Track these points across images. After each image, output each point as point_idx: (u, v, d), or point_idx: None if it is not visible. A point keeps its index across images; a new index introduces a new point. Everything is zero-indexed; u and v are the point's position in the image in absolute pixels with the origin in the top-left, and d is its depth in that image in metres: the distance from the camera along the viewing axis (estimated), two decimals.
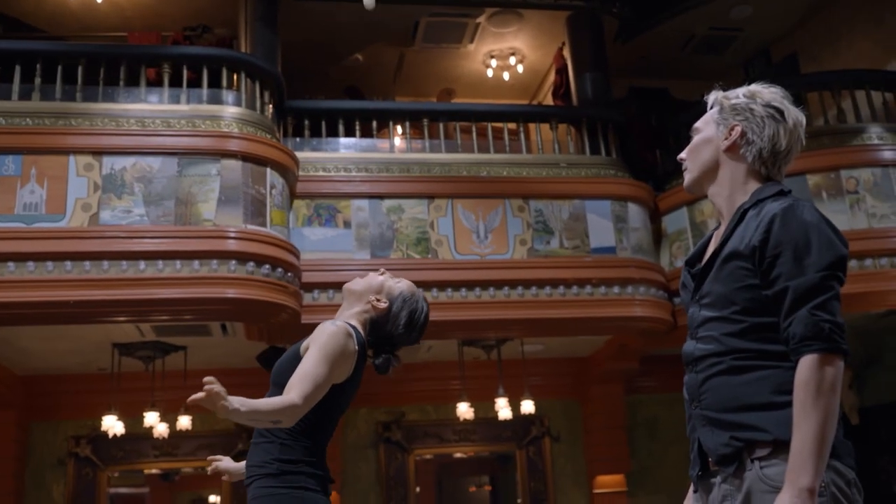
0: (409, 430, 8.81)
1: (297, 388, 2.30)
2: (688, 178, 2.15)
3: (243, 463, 2.69)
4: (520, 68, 9.76)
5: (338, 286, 6.57)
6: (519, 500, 9.02)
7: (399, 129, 7.71)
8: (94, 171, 5.99)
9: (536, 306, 6.90)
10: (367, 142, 7.43)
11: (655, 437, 9.15)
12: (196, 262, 5.85)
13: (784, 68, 9.50)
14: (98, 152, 6.05)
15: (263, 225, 6.15)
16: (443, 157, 7.34)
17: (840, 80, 7.54)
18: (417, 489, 8.95)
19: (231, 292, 5.88)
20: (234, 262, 5.91)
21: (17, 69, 6.25)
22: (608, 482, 8.71)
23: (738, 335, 1.89)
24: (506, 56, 9.63)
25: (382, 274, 2.78)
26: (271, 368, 7.60)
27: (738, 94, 2.09)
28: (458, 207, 7.06)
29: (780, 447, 1.78)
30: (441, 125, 7.53)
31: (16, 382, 7.92)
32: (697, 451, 1.96)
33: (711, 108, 2.15)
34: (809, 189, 6.87)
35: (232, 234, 5.96)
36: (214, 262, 5.88)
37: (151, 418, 7.32)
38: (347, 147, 7.32)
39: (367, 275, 2.77)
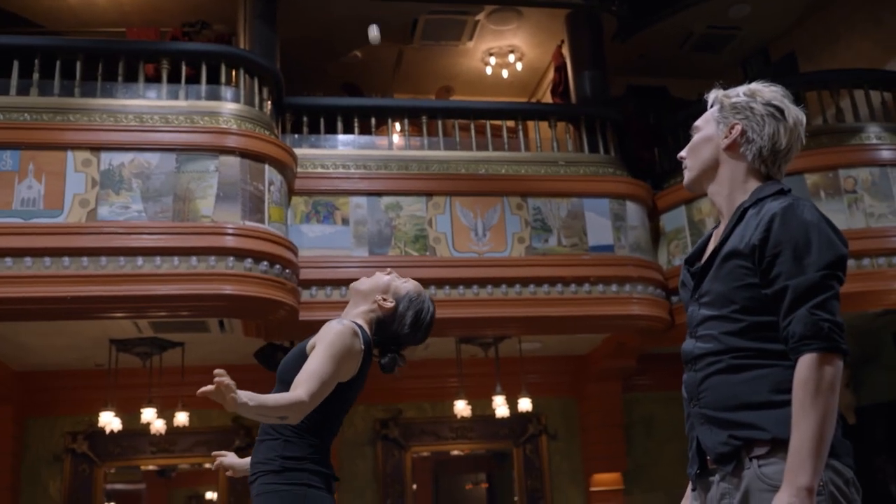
0: (407, 428, 8.81)
1: (304, 385, 2.32)
2: (688, 176, 2.15)
3: (247, 459, 2.70)
4: (518, 66, 9.76)
5: (336, 283, 6.61)
6: (515, 498, 9.03)
7: (398, 126, 7.71)
8: (91, 167, 5.98)
9: (534, 304, 6.90)
10: (365, 139, 7.42)
11: (652, 435, 9.16)
12: (194, 259, 5.84)
13: (782, 67, 9.51)
14: (96, 148, 6.04)
15: (261, 221, 6.14)
16: (441, 154, 7.33)
17: (839, 80, 7.54)
18: (414, 486, 8.95)
19: (229, 289, 5.88)
20: (231, 258, 5.90)
21: (15, 64, 6.23)
22: (605, 480, 8.72)
23: (737, 334, 1.89)
24: (505, 54, 9.62)
25: (389, 274, 2.79)
26: (269, 365, 7.57)
27: (739, 93, 2.09)
28: (456, 205, 7.06)
29: (779, 446, 1.78)
30: (440, 123, 7.53)
31: (12, 378, 7.91)
32: (696, 450, 1.96)
33: (711, 106, 2.15)
34: (808, 188, 6.88)
35: (230, 231, 5.95)
36: (212, 258, 5.87)
37: (148, 414, 7.32)
38: (346, 144, 7.31)
39: (374, 274, 2.79)
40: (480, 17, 8.90)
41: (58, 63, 6.31)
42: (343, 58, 9.43)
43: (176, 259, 5.81)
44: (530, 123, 7.91)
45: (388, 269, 2.82)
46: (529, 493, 8.87)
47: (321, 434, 2.55)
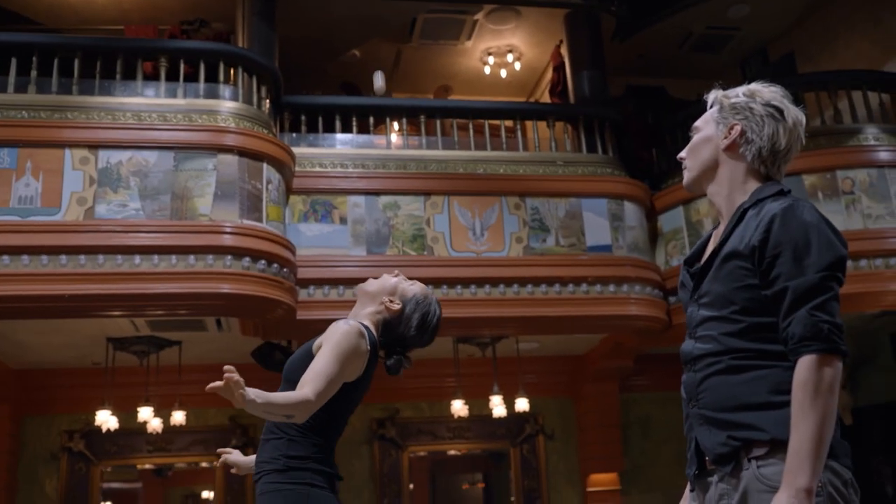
0: (404, 427, 8.81)
1: (311, 384, 2.34)
2: (687, 176, 2.15)
3: (252, 457, 2.72)
4: (517, 66, 9.76)
5: (333, 282, 6.60)
6: (512, 499, 9.03)
7: (396, 125, 7.71)
8: (89, 165, 5.98)
9: (532, 304, 6.90)
10: (363, 138, 7.42)
11: (649, 435, 9.17)
12: (191, 257, 5.83)
13: (781, 67, 9.52)
14: (94, 146, 6.03)
15: (259, 220, 6.13)
16: (439, 153, 7.33)
17: (837, 81, 7.55)
18: (411, 486, 8.95)
19: (226, 287, 5.87)
20: (229, 257, 5.90)
21: (14, 61, 6.22)
22: (602, 480, 8.72)
23: (736, 335, 1.89)
24: (503, 53, 9.62)
25: (396, 276, 2.81)
26: (266, 364, 7.56)
27: (738, 93, 2.08)
28: (454, 204, 7.05)
29: (778, 447, 1.78)
30: (438, 122, 7.52)
31: (9, 376, 7.90)
32: (694, 450, 1.96)
33: (711, 107, 2.15)
34: (805, 189, 6.88)
35: (228, 230, 5.95)
36: (210, 257, 5.87)
37: (145, 413, 7.31)
38: (344, 143, 7.31)
39: (382, 276, 2.81)
40: (479, 16, 8.90)
41: (56, 60, 6.30)
42: (342, 57, 9.43)
43: (174, 257, 5.81)
44: (528, 123, 7.92)
45: (396, 272, 2.84)
46: (526, 494, 8.87)
47: (326, 434, 2.56)
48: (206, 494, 10.51)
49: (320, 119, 7.31)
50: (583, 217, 7.25)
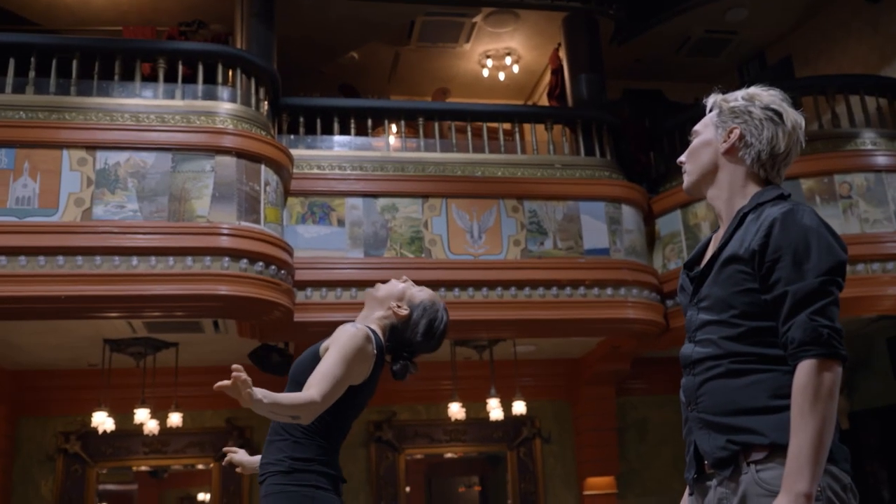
0: (400, 430, 8.81)
1: (317, 386, 2.35)
2: (687, 180, 2.14)
3: (257, 457, 2.74)
4: (515, 69, 9.77)
5: (331, 284, 6.60)
6: (509, 502, 9.03)
7: (394, 127, 7.71)
8: (87, 166, 5.97)
9: (529, 307, 6.90)
10: (361, 140, 7.42)
11: (645, 439, 9.18)
12: (189, 259, 5.83)
13: (779, 71, 9.53)
14: (92, 147, 6.02)
15: (257, 222, 6.13)
16: (437, 156, 7.33)
17: (835, 85, 7.56)
18: (407, 489, 8.95)
19: (224, 289, 5.86)
20: (227, 258, 5.89)
21: (11, 62, 6.21)
22: (598, 484, 8.72)
23: (736, 339, 1.88)
24: (501, 56, 9.63)
25: (405, 281, 2.83)
26: (263, 366, 7.54)
27: (737, 97, 2.08)
28: (452, 207, 7.05)
29: (777, 451, 1.77)
30: (436, 124, 7.53)
31: (5, 377, 7.89)
32: (693, 454, 1.95)
33: (710, 110, 2.14)
34: (803, 193, 6.89)
35: (225, 231, 5.94)
36: (207, 258, 5.86)
37: (142, 415, 7.30)
38: (342, 145, 7.31)
39: (390, 281, 2.83)
40: (477, 19, 8.91)
41: (54, 61, 6.29)
42: (340, 59, 9.43)
43: (171, 259, 5.80)
44: (527, 126, 7.93)
45: (404, 277, 2.86)
46: (523, 497, 8.86)
47: (330, 436, 2.58)
48: (202, 496, 10.50)
49: (318, 121, 7.31)
50: (580, 220, 7.25)
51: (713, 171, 2.08)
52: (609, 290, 7.07)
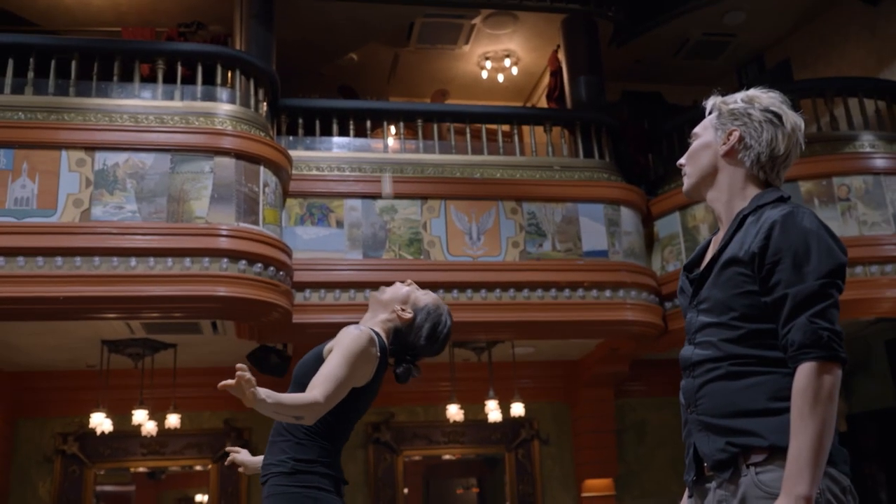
0: (399, 432, 8.80)
1: (321, 387, 2.37)
2: (687, 182, 2.14)
3: (260, 457, 2.75)
4: (514, 70, 9.77)
5: (330, 286, 6.60)
6: (507, 503, 9.02)
7: (393, 129, 7.71)
8: (86, 167, 5.96)
9: (528, 309, 6.90)
10: (360, 141, 7.42)
11: (644, 441, 9.17)
12: (187, 260, 5.82)
13: (777, 74, 9.54)
14: (90, 148, 6.02)
15: (256, 223, 6.13)
16: (436, 157, 7.33)
17: (833, 87, 7.57)
18: (406, 490, 8.94)
19: (222, 290, 5.86)
20: (225, 260, 5.89)
21: (10, 63, 6.21)
22: (596, 486, 8.72)
23: (735, 341, 1.88)
24: (500, 58, 9.63)
25: (409, 285, 2.84)
26: (262, 368, 7.53)
27: (737, 99, 2.08)
28: (451, 209, 7.05)
29: (776, 453, 1.77)
30: (435, 126, 7.53)
31: (3, 378, 7.88)
32: (693, 456, 1.95)
33: (710, 112, 2.14)
34: (802, 195, 6.90)
35: (224, 232, 5.94)
36: (206, 259, 5.85)
37: (140, 416, 7.29)
38: (341, 146, 7.31)
39: (394, 284, 2.84)
40: (477, 21, 8.91)
41: (53, 62, 6.29)
42: (339, 60, 9.43)
43: (169, 260, 5.80)
44: (525, 128, 7.93)
45: (409, 280, 2.87)
46: (521, 498, 8.86)
47: (333, 437, 2.60)
48: (200, 498, 10.48)
49: (317, 122, 7.31)
50: (579, 222, 7.25)
51: (713, 174, 2.08)
52: (608, 292, 7.07)
